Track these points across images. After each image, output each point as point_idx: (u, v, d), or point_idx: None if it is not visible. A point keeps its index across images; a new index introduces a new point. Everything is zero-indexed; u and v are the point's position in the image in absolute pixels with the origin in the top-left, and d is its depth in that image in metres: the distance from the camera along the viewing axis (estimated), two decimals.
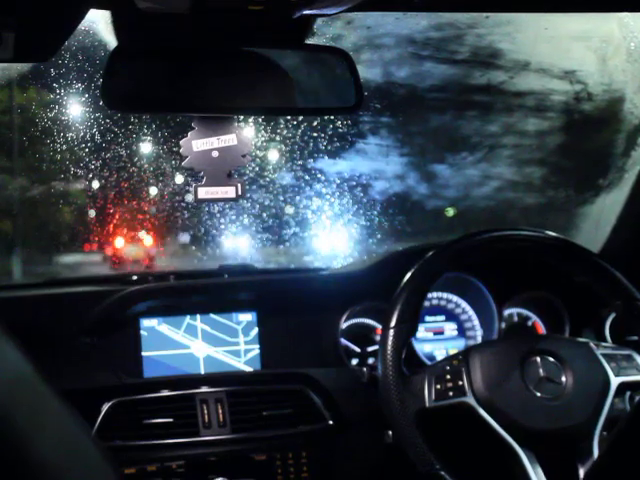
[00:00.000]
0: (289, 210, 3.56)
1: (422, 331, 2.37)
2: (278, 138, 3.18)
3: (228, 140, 1.40)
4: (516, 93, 3.16)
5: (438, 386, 1.72)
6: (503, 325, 2.36)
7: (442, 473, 1.64)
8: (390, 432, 1.79)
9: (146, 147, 3.13)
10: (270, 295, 2.28)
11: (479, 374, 1.71)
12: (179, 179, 3.34)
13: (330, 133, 3.20)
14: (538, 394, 1.70)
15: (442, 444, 1.69)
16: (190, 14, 1.18)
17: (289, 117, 2.92)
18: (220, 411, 1.98)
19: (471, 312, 2.42)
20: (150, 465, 1.91)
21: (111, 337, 2.10)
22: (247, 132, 1.54)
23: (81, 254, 3.92)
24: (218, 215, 3.41)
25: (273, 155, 3.33)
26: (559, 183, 3.45)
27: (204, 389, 2.02)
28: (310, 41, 1.42)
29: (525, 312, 2.43)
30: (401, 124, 3.34)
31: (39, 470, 0.58)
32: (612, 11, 1.99)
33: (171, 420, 1.95)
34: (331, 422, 2.05)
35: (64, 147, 2.74)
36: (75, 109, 2.68)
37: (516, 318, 2.42)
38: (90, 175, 3.04)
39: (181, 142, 1.40)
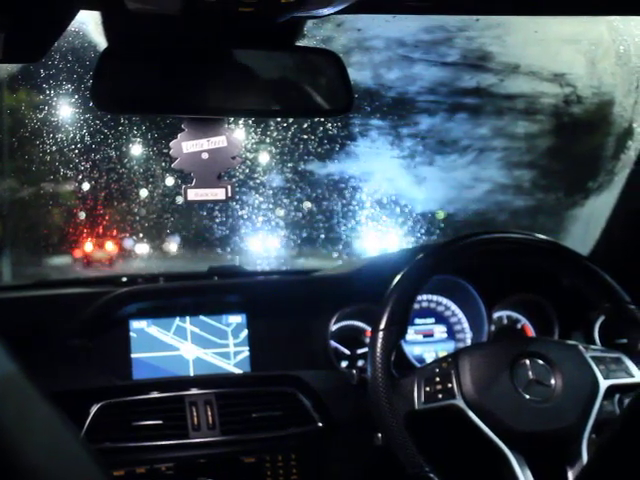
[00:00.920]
0: (279, 212, 3.56)
1: (412, 333, 2.38)
2: (268, 140, 3.18)
3: (218, 142, 1.40)
4: (506, 96, 3.17)
5: (427, 388, 1.72)
6: (493, 328, 2.37)
7: (431, 475, 1.64)
8: (380, 434, 1.79)
9: (136, 149, 3.12)
10: (260, 297, 2.28)
11: (468, 377, 1.71)
12: (169, 181, 3.34)
13: (320, 135, 3.20)
14: (527, 397, 1.70)
15: (431, 446, 1.69)
16: (180, 15, 1.18)
17: (279, 119, 2.92)
18: (209, 413, 1.97)
19: (461, 315, 2.42)
20: (139, 467, 1.90)
21: (100, 339, 2.10)
22: (237, 134, 1.53)
23: (70, 256, 3.92)
24: (207, 216, 3.41)
25: (263, 157, 3.33)
26: (549, 186, 3.46)
27: (193, 391, 2.02)
28: (300, 43, 1.42)
29: (515, 315, 2.43)
30: (391, 126, 3.34)
31: (27, 473, 0.58)
32: (601, 14, 2.00)
33: (160, 422, 1.95)
34: (320, 424, 2.04)
35: (54, 148, 2.73)
36: (65, 110, 2.68)
37: (506, 321, 2.43)
38: (80, 177, 3.03)
39: (171, 144, 1.40)
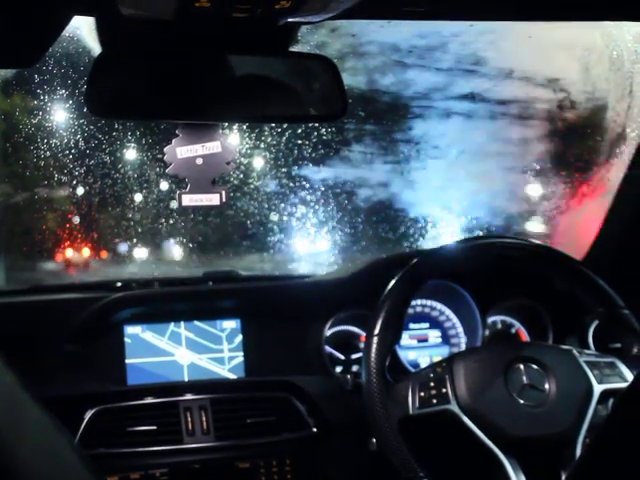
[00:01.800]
0: (273, 217, 3.55)
1: (406, 338, 2.38)
2: (262, 145, 3.18)
3: (212, 147, 1.40)
4: (500, 101, 3.18)
5: (422, 393, 1.72)
6: (487, 332, 2.37)
7: None
8: (374, 439, 1.79)
9: (130, 154, 3.12)
10: (254, 302, 2.28)
11: (463, 382, 1.71)
12: (164, 186, 3.33)
13: (314, 140, 3.20)
14: (521, 401, 1.70)
15: (426, 451, 1.69)
16: (174, 21, 1.18)
17: (273, 124, 2.92)
18: (204, 418, 1.97)
19: (455, 319, 2.42)
20: (133, 473, 1.90)
21: (95, 344, 2.10)
22: (231, 139, 1.54)
23: (63, 261, 3.90)
24: (202, 221, 3.41)
25: (258, 162, 3.32)
26: (542, 191, 3.46)
27: (188, 396, 2.02)
28: (295, 48, 1.42)
29: (509, 319, 2.44)
30: (385, 131, 3.35)
31: (20, 479, 0.58)
32: (595, 20, 2.00)
33: (155, 428, 1.94)
34: (315, 429, 2.04)
35: (48, 153, 2.73)
36: (59, 115, 2.67)
37: (500, 325, 2.43)
38: (74, 182, 3.03)
39: (165, 149, 1.40)
